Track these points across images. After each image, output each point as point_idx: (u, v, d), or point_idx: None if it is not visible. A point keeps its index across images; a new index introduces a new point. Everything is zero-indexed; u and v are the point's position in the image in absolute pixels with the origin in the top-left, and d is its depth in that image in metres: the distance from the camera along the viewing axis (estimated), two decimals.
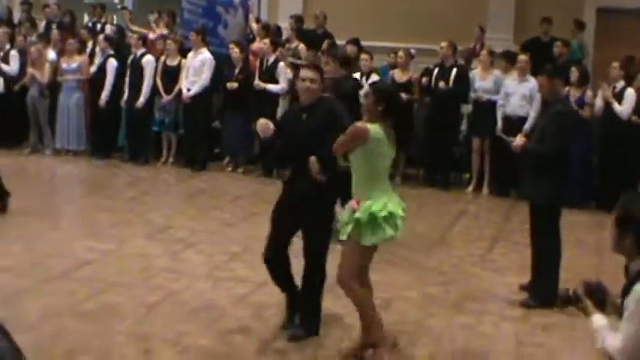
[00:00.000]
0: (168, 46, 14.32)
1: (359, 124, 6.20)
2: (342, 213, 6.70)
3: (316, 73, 6.73)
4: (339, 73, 10.32)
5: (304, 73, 6.77)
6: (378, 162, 6.21)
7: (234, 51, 13.83)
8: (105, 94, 14.36)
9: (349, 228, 6.23)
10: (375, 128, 6.11)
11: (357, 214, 6.13)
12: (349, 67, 10.76)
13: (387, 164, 6.34)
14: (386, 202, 6.15)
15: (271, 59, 13.70)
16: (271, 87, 13.52)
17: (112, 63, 14.42)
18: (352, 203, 6.28)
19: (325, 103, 6.74)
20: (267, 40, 13.99)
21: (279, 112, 13.10)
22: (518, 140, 7.86)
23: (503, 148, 9.90)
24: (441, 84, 13.07)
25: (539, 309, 7.72)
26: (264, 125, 6.68)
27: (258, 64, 13.87)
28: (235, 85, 13.62)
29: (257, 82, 13.54)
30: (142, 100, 14.15)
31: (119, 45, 15.22)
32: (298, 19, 15.65)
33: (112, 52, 14.61)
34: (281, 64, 13.70)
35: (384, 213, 6.10)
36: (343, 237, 6.35)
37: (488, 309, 7.80)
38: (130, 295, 7.69)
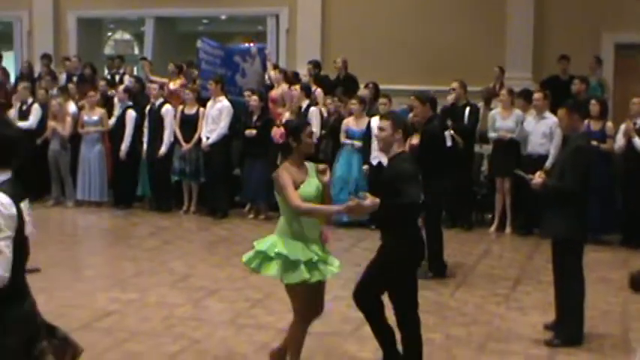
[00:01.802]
0: (186, 95, 14.43)
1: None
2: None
3: (385, 121, 6.76)
4: (428, 114, 10.45)
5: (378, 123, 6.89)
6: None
7: (253, 99, 13.89)
8: (125, 145, 14.46)
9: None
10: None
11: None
12: (435, 108, 11.00)
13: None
14: (281, 242, 6.41)
15: (304, 105, 13.80)
16: None
17: (131, 114, 14.54)
18: None
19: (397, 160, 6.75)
20: (298, 87, 14.12)
21: None
22: (537, 177, 7.82)
23: (524, 187, 9.87)
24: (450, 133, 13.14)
25: (564, 348, 7.64)
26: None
27: (295, 111, 13.88)
28: (254, 132, 13.65)
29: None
30: (163, 149, 14.23)
31: (137, 95, 15.35)
32: (316, 65, 15.72)
33: (130, 103, 14.73)
34: (313, 108, 13.75)
35: (270, 252, 6.43)
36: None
37: (512, 349, 7.72)
38: (152, 344, 7.67)
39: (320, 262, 6.46)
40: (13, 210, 4.38)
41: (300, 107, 13.78)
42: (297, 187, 6.37)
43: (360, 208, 6.22)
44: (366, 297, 6.77)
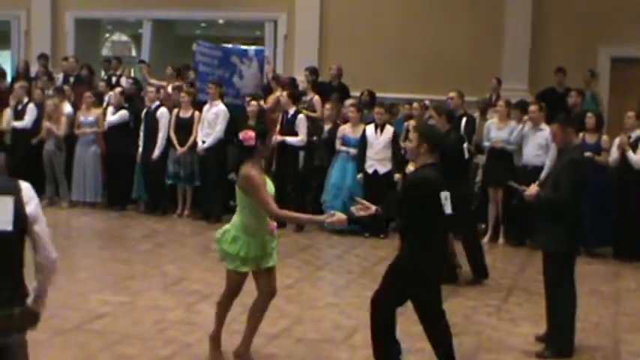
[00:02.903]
0: (182, 98, 14.41)
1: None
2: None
3: (413, 133, 7.01)
4: (445, 127, 10.48)
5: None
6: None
7: (252, 104, 13.88)
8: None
9: None
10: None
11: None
12: (453, 121, 11.12)
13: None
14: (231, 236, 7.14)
15: (291, 112, 13.75)
16: (290, 140, 13.56)
17: (124, 114, 14.64)
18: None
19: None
20: (285, 94, 14.06)
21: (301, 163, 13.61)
22: (531, 189, 7.84)
23: (517, 197, 9.91)
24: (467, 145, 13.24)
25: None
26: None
27: (280, 117, 13.92)
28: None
29: (275, 136, 13.59)
30: (157, 152, 14.25)
31: (134, 98, 15.36)
32: (313, 72, 15.73)
33: (125, 105, 14.75)
34: (300, 116, 13.74)
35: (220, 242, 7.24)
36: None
37: None
38: (144, 347, 7.68)
39: (260, 257, 7.13)
40: None
41: (286, 112, 13.79)
42: None
43: (339, 221, 6.76)
44: (383, 307, 6.83)
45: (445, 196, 6.62)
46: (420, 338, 7.29)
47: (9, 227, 4.36)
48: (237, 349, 7.30)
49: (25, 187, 4.50)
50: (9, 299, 4.45)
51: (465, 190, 10.47)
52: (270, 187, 7.12)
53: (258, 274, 7.25)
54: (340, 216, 6.76)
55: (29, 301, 4.62)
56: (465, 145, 10.78)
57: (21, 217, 4.40)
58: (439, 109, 10.93)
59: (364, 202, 6.91)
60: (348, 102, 14.41)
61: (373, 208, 6.75)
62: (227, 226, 7.24)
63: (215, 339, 7.42)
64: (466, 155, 10.65)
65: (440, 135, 7.03)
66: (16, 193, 4.41)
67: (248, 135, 6.97)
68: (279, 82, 15.15)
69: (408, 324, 8.50)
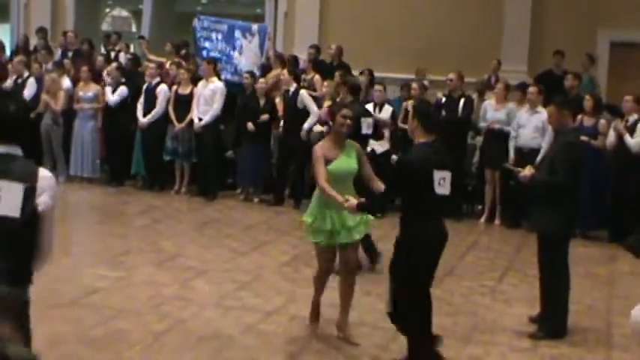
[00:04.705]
0: (181, 75, 14.39)
1: None
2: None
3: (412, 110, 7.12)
4: (347, 100, 10.35)
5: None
6: None
7: (260, 81, 13.86)
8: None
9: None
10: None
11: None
12: (357, 94, 10.82)
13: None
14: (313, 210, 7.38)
15: (292, 89, 13.70)
16: (309, 121, 13.48)
17: (123, 92, 14.62)
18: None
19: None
20: (285, 71, 14.03)
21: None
22: (527, 171, 7.85)
23: (513, 179, 9.92)
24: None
25: (548, 341, 7.70)
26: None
27: (282, 95, 13.89)
28: (266, 117, 13.70)
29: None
30: (145, 121, 14.28)
31: (132, 73, 15.33)
32: (317, 50, 15.70)
33: (123, 80, 14.74)
34: (302, 91, 13.65)
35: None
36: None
37: (496, 340, 7.76)
38: (138, 322, 7.70)
39: (336, 231, 7.26)
40: None
41: (287, 91, 13.74)
42: (328, 162, 7.21)
43: (351, 208, 6.85)
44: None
45: (441, 175, 6.48)
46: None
47: (16, 214, 4.33)
48: (337, 321, 7.59)
49: (43, 176, 4.43)
50: (15, 280, 4.41)
51: None
52: (341, 162, 7.28)
53: (337, 248, 7.46)
54: (352, 202, 6.81)
55: None
56: (368, 120, 10.50)
57: (30, 206, 4.36)
58: (345, 81, 10.76)
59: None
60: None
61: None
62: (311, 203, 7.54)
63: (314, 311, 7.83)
64: (364, 130, 10.36)
65: (435, 114, 6.92)
66: (32, 181, 4.37)
67: (324, 111, 7.22)
68: (281, 59, 15.10)
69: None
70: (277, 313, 8.19)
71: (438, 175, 6.46)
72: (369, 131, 10.46)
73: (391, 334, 7.32)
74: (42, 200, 4.39)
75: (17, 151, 4.43)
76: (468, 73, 13.93)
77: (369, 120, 10.47)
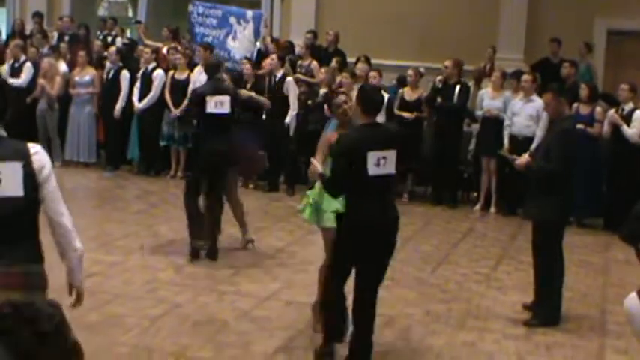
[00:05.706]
0: (178, 60, 14.38)
1: None
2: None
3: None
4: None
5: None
6: None
7: (246, 67, 13.83)
8: (120, 105, 14.46)
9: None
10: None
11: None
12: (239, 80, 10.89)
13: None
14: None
15: (278, 74, 13.70)
16: (290, 114, 13.62)
17: (125, 74, 14.54)
18: None
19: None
20: (274, 56, 14.01)
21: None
22: (522, 158, 7.87)
23: (509, 167, 9.94)
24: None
25: (541, 328, 7.73)
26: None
27: (266, 79, 13.88)
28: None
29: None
30: (140, 106, 14.31)
31: (128, 58, 15.31)
32: (315, 35, 15.69)
33: (121, 64, 14.73)
34: (288, 78, 13.69)
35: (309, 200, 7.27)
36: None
37: (490, 327, 7.79)
38: (134, 307, 7.73)
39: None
40: None
41: (274, 75, 13.71)
42: None
43: (313, 171, 6.85)
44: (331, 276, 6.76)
45: (380, 155, 6.29)
46: (409, 304, 7.34)
47: (20, 193, 4.32)
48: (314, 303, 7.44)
49: (36, 151, 4.41)
50: (25, 259, 4.43)
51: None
52: None
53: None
54: (318, 169, 6.72)
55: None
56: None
57: (32, 182, 4.35)
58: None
59: None
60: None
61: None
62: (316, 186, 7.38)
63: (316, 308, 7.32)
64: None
65: (375, 96, 6.82)
66: (27, 158, 4.35)
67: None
68: (278, 45, 15.07)
69: (399, 291, 8.59)
70: (272, 298, 8.22)
71: (375, 155, 6.28)
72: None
73: (385, 319, 7.36)
74: (46, 173, 4.41)
75: (1, 131, 4.42)
76: (465, 60, 13.90)
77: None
